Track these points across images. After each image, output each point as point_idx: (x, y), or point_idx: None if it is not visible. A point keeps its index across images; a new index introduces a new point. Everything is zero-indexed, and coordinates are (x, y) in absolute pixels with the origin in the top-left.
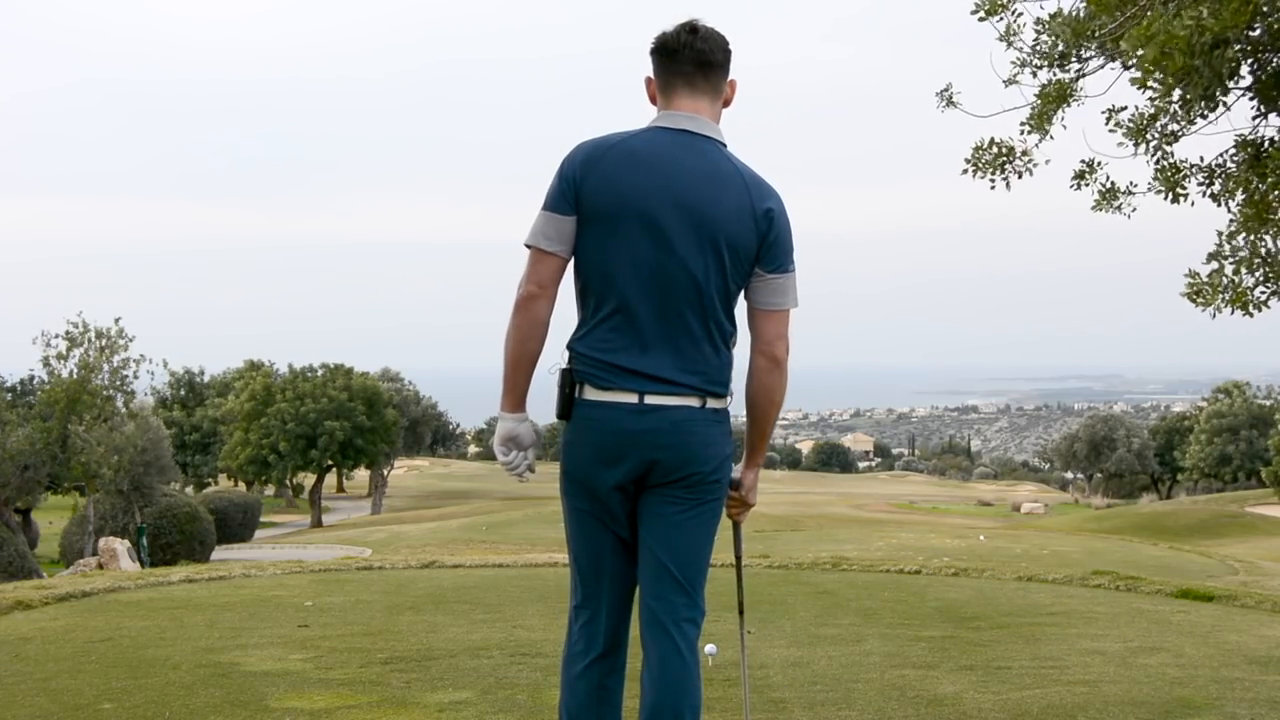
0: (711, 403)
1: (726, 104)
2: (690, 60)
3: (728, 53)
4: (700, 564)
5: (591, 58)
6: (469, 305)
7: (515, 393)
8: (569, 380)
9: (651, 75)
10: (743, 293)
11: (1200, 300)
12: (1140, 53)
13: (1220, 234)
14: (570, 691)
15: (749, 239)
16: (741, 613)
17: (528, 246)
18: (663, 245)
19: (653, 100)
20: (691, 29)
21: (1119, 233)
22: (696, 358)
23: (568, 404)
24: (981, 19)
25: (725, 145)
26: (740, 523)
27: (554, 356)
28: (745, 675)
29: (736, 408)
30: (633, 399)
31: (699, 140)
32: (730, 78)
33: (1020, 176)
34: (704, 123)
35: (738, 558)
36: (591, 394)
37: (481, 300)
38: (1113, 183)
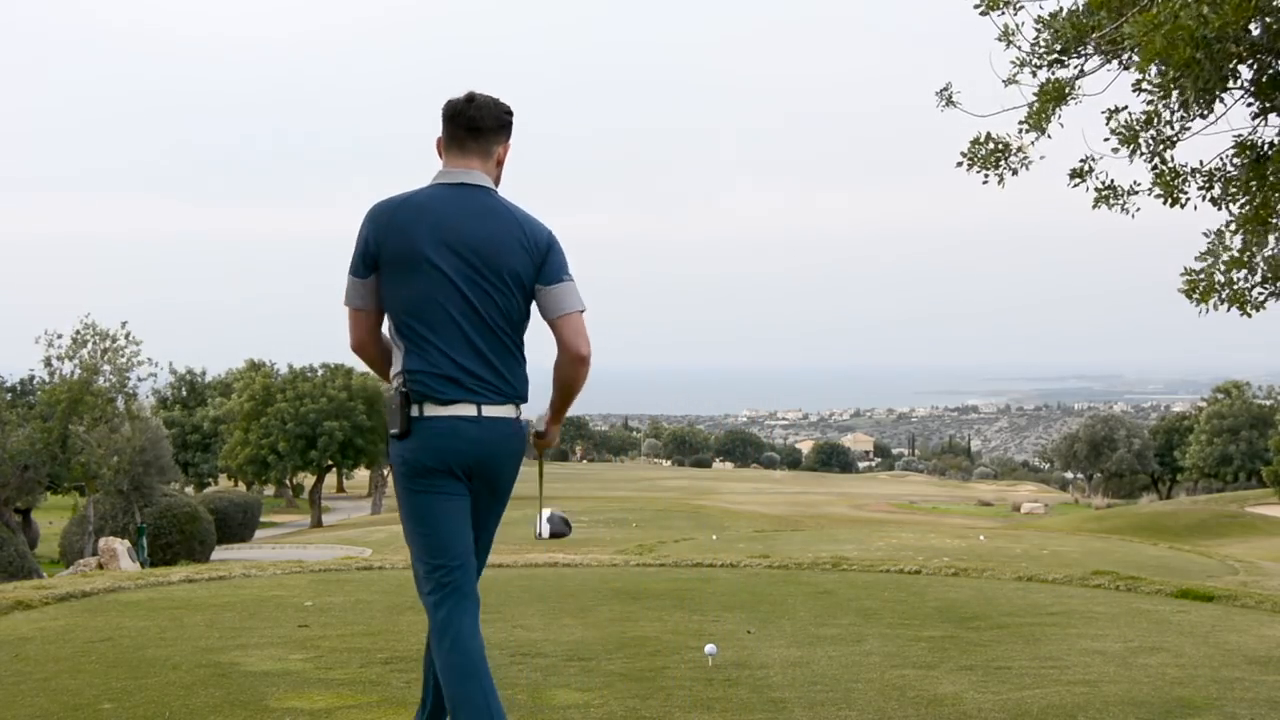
0: (518, 412)
1: (499, 164)
2: (464, 126)
3: (500, 120)
4: (488, 548)
5: (593, 53)
6: None
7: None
8: (407, 401)
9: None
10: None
11: (1196, 296)
12: (1144, 43)
13: (1210, 233)
14: (438, 651)
15: (527, 268)
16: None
17: (346, 305)
18: (452, 282)
19: (440, 156)
20: (469, 99)
21: (1119, 233)
22: (508, 373)
23: (408, 421)
24: (983, 13)
25: (496, 192)
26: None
27: None
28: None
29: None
30: (472, 411)
31: (472, 190)
32: (506, 142)
33: (1015, 173)
34: (476, 175)
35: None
36: (433, 410)
37: None
38: (1113, 181)
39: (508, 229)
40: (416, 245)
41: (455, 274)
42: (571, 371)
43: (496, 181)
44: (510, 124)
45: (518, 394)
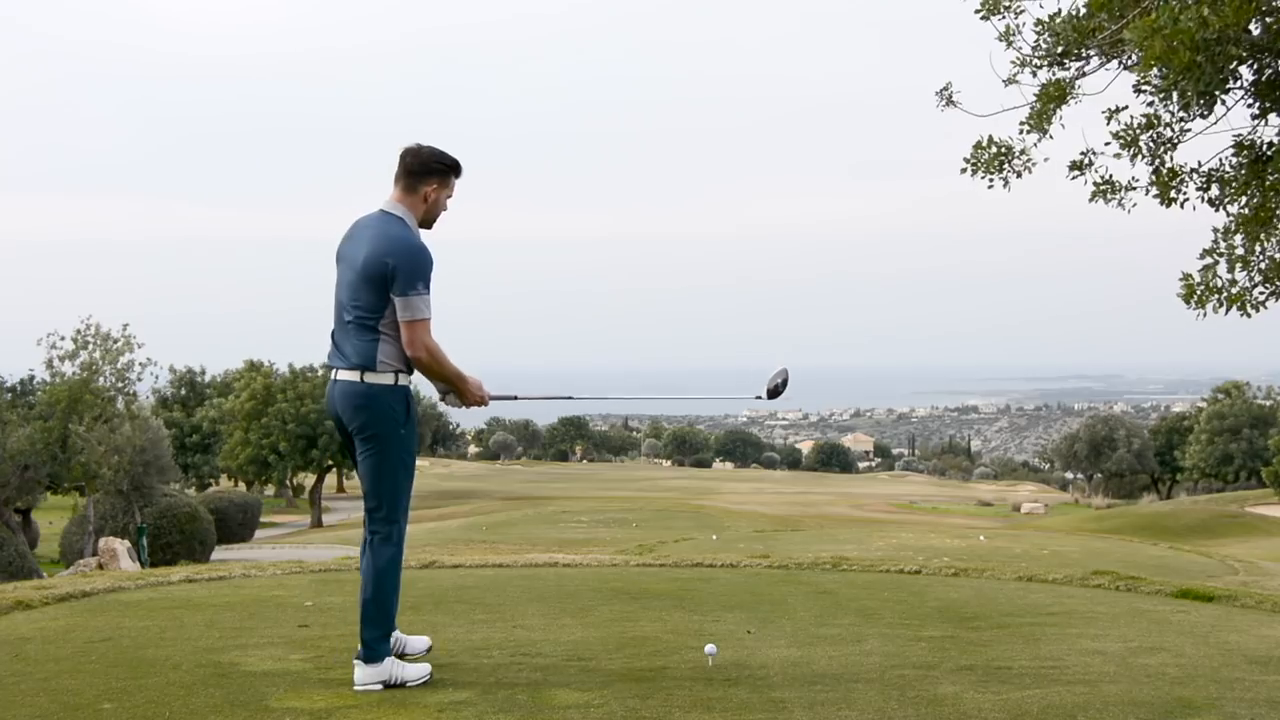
0: (368, 377)
1: (425, 200)
2: (402, 168)
3: (429, 167)
4: (378, 490)
5: (591, 54)
6: (468, 304)
7: None
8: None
9: None
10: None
11: (1194, 301)
12: (1144, 47)
13: (1217, 231)
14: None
15: (379, 275)
16: None
17: None
18: (338, 283)
19: None
20: (415, 147)
21: (1119, 232)
22: (354, 347)
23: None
24: (984, 18)
25: (403, 220)
26: None
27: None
28: None
29: None
30: (333, 375)
31: (384, 216)
32: (436, 185)
33: (1019, 176)
34: (396, 205)
35: None
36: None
37: (481, 299)
38: (1111, 175)
39: (376, 246)
40: (336, 256)
41: (340, 277)
42: (412, 364)
43: (428, 214)
44: (440, 170)
45: (358, 363)
